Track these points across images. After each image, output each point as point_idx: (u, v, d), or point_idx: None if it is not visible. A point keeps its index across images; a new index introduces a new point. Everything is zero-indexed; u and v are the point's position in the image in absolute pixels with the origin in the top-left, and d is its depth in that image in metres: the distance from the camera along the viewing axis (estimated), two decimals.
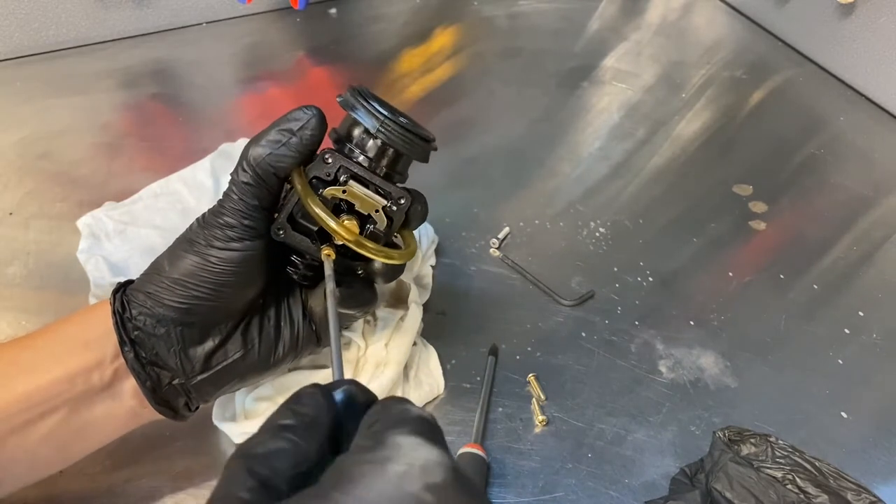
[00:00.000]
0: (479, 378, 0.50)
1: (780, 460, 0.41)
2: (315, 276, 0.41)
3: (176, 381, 0.38)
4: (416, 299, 0.50)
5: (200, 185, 0.59)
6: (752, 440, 0.43)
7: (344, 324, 0.45)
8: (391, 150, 0.38)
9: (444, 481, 0.21)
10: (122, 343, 0.36)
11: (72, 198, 0.60)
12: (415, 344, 0.49)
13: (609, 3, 0.97)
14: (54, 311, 0.51)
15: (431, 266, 0.56)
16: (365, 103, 0.38)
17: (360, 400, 0.26)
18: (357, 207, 0.38)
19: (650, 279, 0.58)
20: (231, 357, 0.39)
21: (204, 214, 0.38)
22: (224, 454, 0.44)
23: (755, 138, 0.75)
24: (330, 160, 0.37)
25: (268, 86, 0.77)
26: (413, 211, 0.40)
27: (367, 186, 0.38)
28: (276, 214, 0.38)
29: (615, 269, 0.59)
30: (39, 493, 0.41)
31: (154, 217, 0.57)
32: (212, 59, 0.80)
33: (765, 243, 0.63)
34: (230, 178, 0.37)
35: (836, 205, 0.68)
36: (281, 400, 0.26)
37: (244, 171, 0.36)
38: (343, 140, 0.39)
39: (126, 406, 0.38)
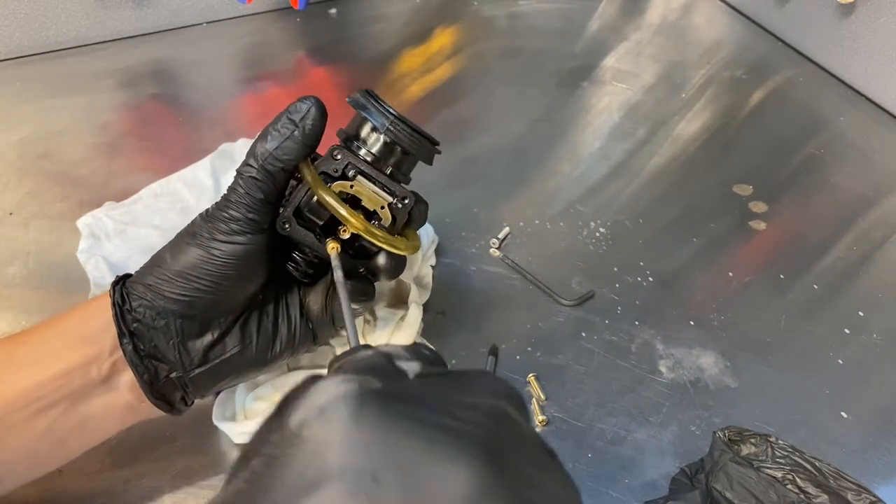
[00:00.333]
0: None
1: (780, 460, 0.41)
2: (315, 273, 0.42)
3: (173, 375, 0.38)
4: (416, 299, 0.50)
5: (200, 184, 0.59)
6: (752, 440, 0.43)
7: (343, 323, 0.45)
8: (398, 149, 0.39)
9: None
10: (120, 335, 0.36)
11: (72, 198, 0.60)
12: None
13: (609, 3, 0.97)
14: (54, 310, 0.50)
15: (431, 266, 0.56)
16: (375, 102, 0.39)
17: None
18: (363, 203, 0.39)
19: (650, 279, 0.58)
20: (229, 351, 0.39)
21: (207, 209, 0.38)
22: (224, 454, 0.44)
23: (755, 138, 0.75)
24: (339, 156, 0.38)
25: (268, 86, 0.77)
26: (416, 211, 0.40)
27: (373, 183, 0.39)
28: (282, 209, 0.39)
29: (615, 269, 0.59)
30: (39, 493, 0.41)
31: (154, 217, 0.57)
32: (212, 59, 0.80)
33: (765, 243, 0.63)
34: (236, 172, 0.37)
35: (836, 205, 0.68)
36: None
37: (251, 165, 0.37)
38: (351, 139, 0.40)
39: (123, 400, 0.38)
